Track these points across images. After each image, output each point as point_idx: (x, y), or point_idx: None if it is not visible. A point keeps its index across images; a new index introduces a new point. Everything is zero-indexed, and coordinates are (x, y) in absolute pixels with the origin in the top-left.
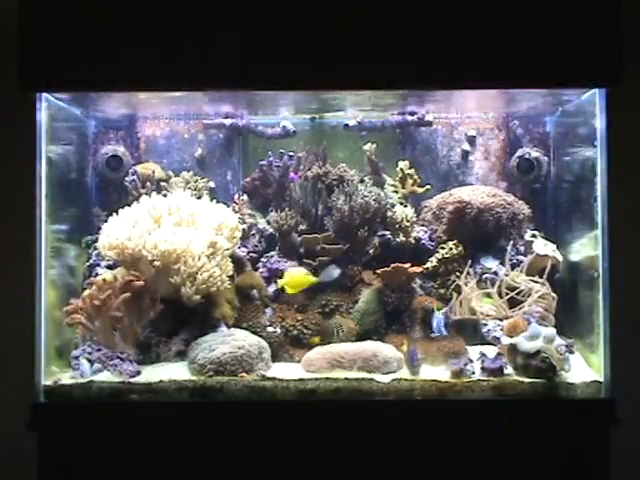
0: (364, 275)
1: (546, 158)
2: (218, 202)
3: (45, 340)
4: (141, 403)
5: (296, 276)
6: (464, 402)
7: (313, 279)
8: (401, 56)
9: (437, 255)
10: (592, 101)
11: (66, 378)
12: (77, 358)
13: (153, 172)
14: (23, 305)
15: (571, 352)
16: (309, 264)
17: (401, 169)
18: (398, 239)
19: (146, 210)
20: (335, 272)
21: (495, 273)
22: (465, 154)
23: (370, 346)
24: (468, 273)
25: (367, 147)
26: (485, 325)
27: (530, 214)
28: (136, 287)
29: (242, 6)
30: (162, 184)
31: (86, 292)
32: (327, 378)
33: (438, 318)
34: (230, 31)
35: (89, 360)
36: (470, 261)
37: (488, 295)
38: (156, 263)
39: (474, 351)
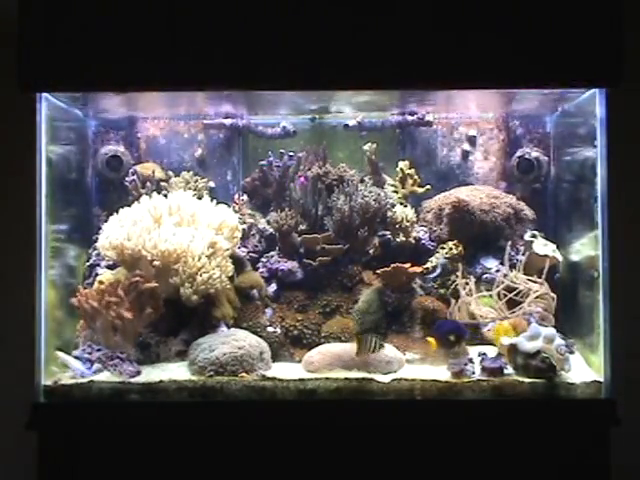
0: (364, 275)
1: (546, 158)
2: (218, 202)
3: (45, 340)
4: (141, 403)
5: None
6: (464, 402)
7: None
8: (401, 56)
9: (437, 255)
10: (592, 101)
11: (66, 378)
12: (77, 358)
13: (153, 172)
14: (23, 305)
15: (571, 352)
16: (309, 264)
17: (401, 169)
18: (398, 239)
19: (146, 210)
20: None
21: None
22: (465, 154)
23: None
24: (464, 276)
25: (367, 147)
26: (485, 325)
27: (531, 215)
28: (147, 289)
29: (242, 6)
30: (162, 184)
31: (88, 291)
32: (327, 378)
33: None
34: (231, 31)
35: (90, 361)
36: (463, 266)
37: (490, 297)
38: (156, 263)
39: (474, 351)
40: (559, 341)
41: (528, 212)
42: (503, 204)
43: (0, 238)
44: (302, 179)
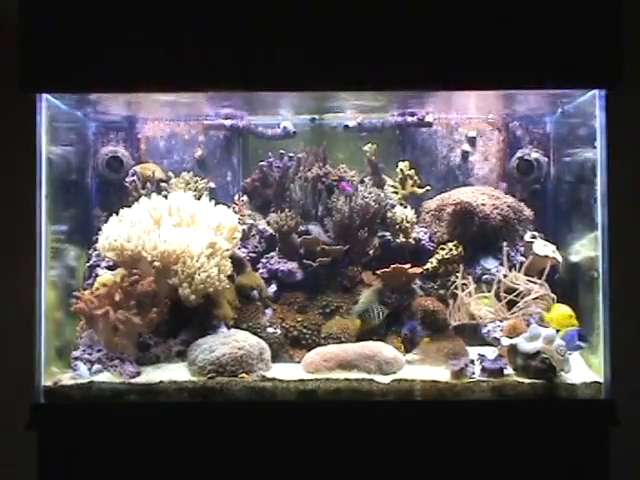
0: (364, 276)
1: (546, 159)
2: (218, 203)
3: (45, 340)
4: (141, 404)
5: (562, 315)
6: (464, 403)
7: (575, 322)
8: (401, 56)
9: (437, 256)
10: (592, 101)
11: (66, 379)
12: (77, 359)
13: (153, 173)
14: (23, 305)
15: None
16: (309, 264)
17: (401, 170)
18: (398, 240)
19: (146, 211)
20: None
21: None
22: (465, 155)
23: (370, 346)
24: (464, 277)
25: (367, 148)
26: (485, 326)
27: (531, 216)
28: (148, 291)
29: (242, 6)
30: (162, 185)
31: (89, 294)
32: (327, 379)
33: (572, 334)
34: (230, 31)
35: (90, 361)
36: (463, 267)
37: (486, 298)
38: (156, 264)
39: (474, 352)
40: (559, 342)
41: (528, 213)
42: (503, 205)
43: (0, 238)
44: (344, 184)
